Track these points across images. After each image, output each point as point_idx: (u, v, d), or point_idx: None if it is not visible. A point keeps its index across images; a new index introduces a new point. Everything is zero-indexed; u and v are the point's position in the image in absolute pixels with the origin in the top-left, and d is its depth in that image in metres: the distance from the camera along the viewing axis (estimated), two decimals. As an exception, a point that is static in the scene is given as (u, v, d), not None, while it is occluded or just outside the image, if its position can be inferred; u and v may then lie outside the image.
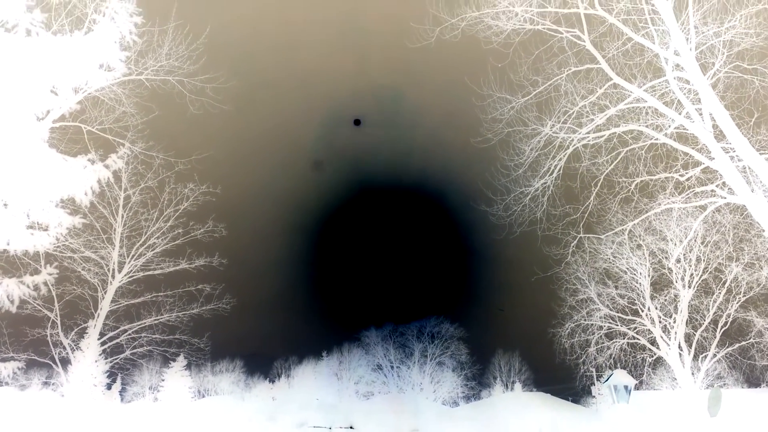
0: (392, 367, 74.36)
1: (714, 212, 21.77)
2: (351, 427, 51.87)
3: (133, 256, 23.03)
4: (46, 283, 13.19)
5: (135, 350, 23.26)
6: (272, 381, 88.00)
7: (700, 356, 26.42)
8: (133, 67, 14.31)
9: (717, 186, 12.61)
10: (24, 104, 11.03)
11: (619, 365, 26.72)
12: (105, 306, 22.21)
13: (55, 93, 11.80)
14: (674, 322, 26.14)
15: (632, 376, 17.00)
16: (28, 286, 12.75)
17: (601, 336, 27.38)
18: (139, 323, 23.24)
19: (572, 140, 13.59)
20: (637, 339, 27.03)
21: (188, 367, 77.83)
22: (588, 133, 13.43)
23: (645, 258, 26.75)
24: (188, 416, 60.57)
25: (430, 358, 73.11)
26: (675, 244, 25.28)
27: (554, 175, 13.97)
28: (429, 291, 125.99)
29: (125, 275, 22.79)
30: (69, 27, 12.43)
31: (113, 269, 22.64)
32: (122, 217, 23.04)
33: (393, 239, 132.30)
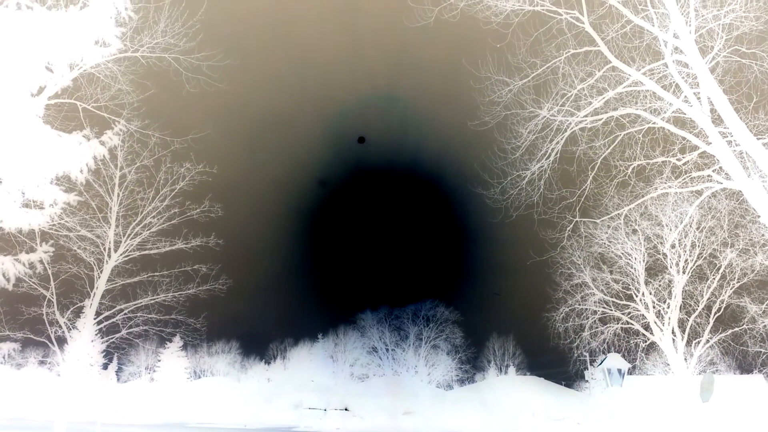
0: (387, 350, 74.94)
1: (710, 197, 21.82)
2: (346, 409, 52.36)
3: (129, 235, 23.01)
4: (41, 261, 13.18)
5: (131, 330, 23.30)
6: (268, 362, 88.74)
7: (694, 342, 26.62)
8: (129, 43, 14.18)
9: (713, 171, 12.61)
10: (18, 80, 10.94)
11: (612, 350, 26.88)
12: (101, 285, 22.21)
13: (49, 69, 11.69)
14: (668, 307, 26.29)
15: (626, 360, 17.07)
16: (24, 264, 12.74)
17: (595, 321, 27.55)
18: (135, 303, 23.27)
19: (570, 124, 13.55)
20: (631, 324, 27.20)
21: (184, 347, 78.45)
22: (586, 116, 13.39)
23: (640, 243, 26.85)
24: (185, 396, 61.01)
25: (425, 341, 73.72)
26: (670, 230, 25.36)
27: (551, 158, 13.95)
28: (424, 274, 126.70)
29: (121, 254, 22.78)
30: (64, 2, 12.27)
31: (109, 248, 22.63)
32: (118, 195, 22.99)
33: (389, 222, 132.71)
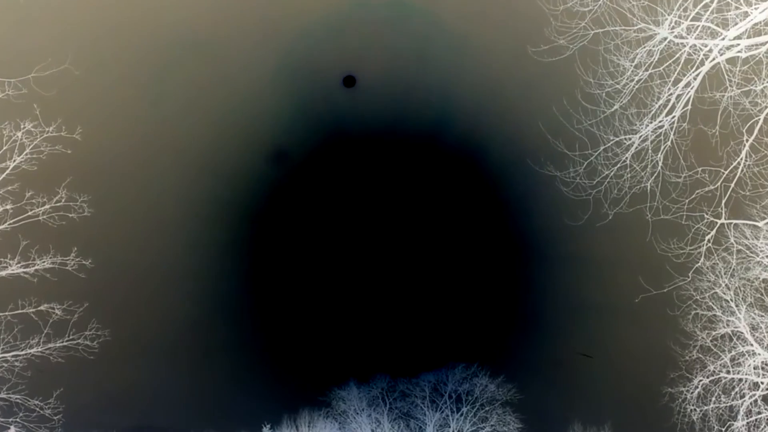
0: (387, 453, 75.24)
1: None
2: None
3: None
4: None
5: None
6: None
7: None
8: None
9: None
10: None
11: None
12: None
13: None
14: None
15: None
16: None
17: (756, 400, 27.63)
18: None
19: (710, 51, 13.58)
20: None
21: (25, 450, 78.57)
22: (738, 38, 13.40)
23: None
24: None
25: (456, 437, 74.00)
26: None
27: (677, 113, 14.01)
28: (451, 318, 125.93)
29: None
30: None
31: None
32: None
33: (389, 223, 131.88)
